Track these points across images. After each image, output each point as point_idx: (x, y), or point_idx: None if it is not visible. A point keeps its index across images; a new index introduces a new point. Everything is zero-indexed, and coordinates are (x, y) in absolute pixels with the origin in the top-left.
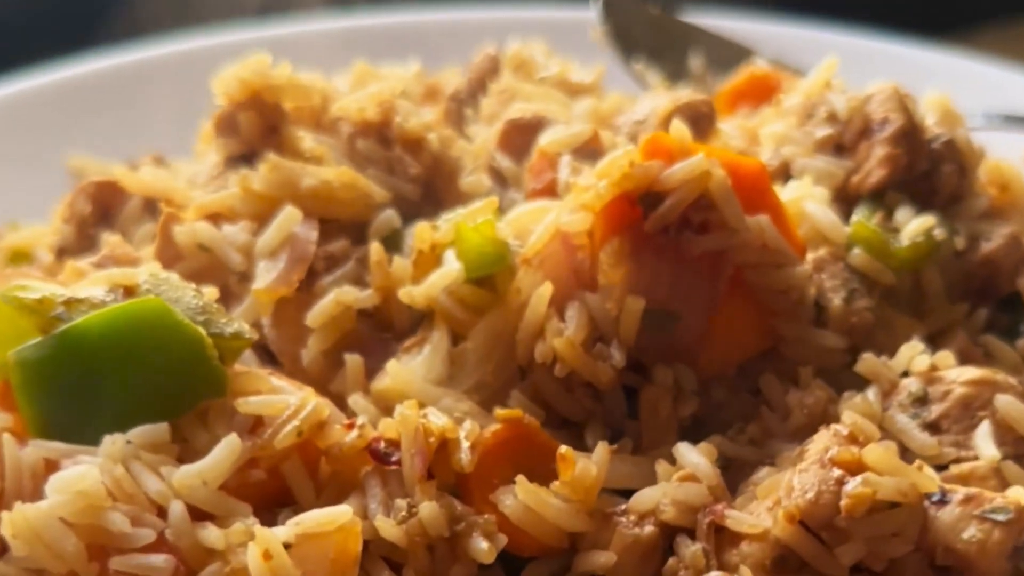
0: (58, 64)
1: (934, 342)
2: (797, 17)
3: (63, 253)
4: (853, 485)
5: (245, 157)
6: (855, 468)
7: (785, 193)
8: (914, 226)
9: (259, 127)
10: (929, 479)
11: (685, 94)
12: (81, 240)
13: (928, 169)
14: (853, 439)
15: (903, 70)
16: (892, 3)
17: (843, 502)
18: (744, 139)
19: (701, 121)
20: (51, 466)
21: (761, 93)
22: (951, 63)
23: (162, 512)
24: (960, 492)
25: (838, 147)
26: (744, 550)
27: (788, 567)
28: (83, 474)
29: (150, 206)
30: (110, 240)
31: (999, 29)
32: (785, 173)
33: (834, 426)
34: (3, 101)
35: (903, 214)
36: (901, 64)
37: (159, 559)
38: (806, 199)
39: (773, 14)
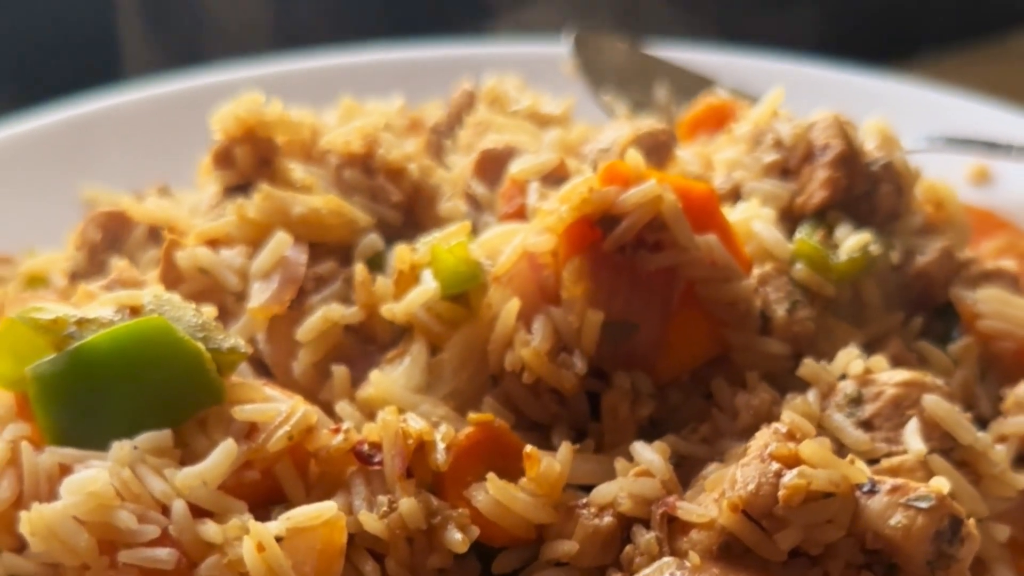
0: (70, 102)
1: (872, 348)
2: (755, 49)
3: (75, 277)
4: (790, 477)
5: (241, 187)
6: (792, 462)
7: (735, 214)
8: (851, 242)
9: (253, 160)
10: (859, 471)
11: (646, 124)
12: (92, 265)
13: (867, 190)
14: (791, 436)
15: (852, 97)
16: (848, 33)
17: (781, 493)
18: (700, 164)
19: (660, 149)
20: (65, 470)
21: (718, 121)
22: (900, 90)
23: (166, 510)
24: (888, 483)
25: (784, 171)
26: (693, 537)
27: (733, 552)
28: (94, 477)
29: (154, 233)
30: (118, 265)
31: (953, 56)
32: (736, 195)
33: (774, 424)
34: (20, 137)
35: (843, 231)
36: (850, 92)
37: (163, 552)
38: (754, 219)
39: (733, 47)
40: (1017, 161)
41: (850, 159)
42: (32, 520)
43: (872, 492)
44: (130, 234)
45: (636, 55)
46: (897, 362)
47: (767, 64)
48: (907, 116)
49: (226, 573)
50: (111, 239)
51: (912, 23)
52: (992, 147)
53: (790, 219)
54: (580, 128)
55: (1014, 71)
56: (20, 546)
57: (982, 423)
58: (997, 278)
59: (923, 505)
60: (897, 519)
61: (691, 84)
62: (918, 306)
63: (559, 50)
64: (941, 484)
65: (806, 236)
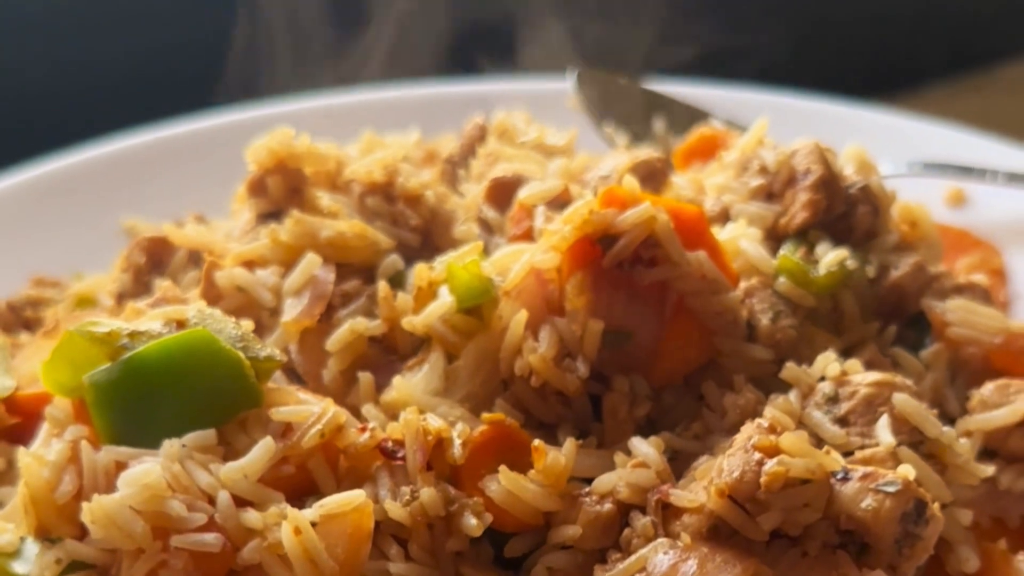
0: (112, 137)
1: (849, 354)
2: (748, 84)
3: (122, 298)
4: (770, 465)
5: (273, 214)
6: (773, 452)
7: (723, 233)
8: (830, 258)
9: (284, 189)
10: (833, 460)
11: (643, 153)
12: (137, 286)
13: (845, 211)
14: (772, 429)
15: (835, 127)
16: (840, 67)
17: (763, 479)
18: (692, 189)
19: (656, 175)
20: (120, 466)
21: (710, 150)
22: (880, 120)
23: (212, 500)
24: (860, 470)
25: (769, 194)
26: (685, 521)
27: (720, 533)
28: (147, 471)
29: (194, 257)
30: (162, 285)
31: (941, 87)
32: (725, 217)
33: (757, 419)
34: (67, 170)
35: (823, 249)
36: (833, 122)
37: (210, 537)
38: (741, 238)
39: (726, 82)
40: (990, 184)
41: (829, 183)
42: (92, 510)
43: (845, 479)
44: (171, 257)
45: (635, 90)
46: (872, 367)
47: (757, 97)
48: (887, 144)
49: (266, 555)
50: (154, 262)
51: (901, 55)
52: (967, 171)
53: (774, 238)
54: (582, 158)
55: (1001, 102)
56: (82, 534)
57: (952, 421)
58: (968, 290)
59: (891, 489)
60: (867, 502)
61: (687, 116)
62: (892, 316)
63: (563, 86)
64: (907, 471)
65: (789, 253)
